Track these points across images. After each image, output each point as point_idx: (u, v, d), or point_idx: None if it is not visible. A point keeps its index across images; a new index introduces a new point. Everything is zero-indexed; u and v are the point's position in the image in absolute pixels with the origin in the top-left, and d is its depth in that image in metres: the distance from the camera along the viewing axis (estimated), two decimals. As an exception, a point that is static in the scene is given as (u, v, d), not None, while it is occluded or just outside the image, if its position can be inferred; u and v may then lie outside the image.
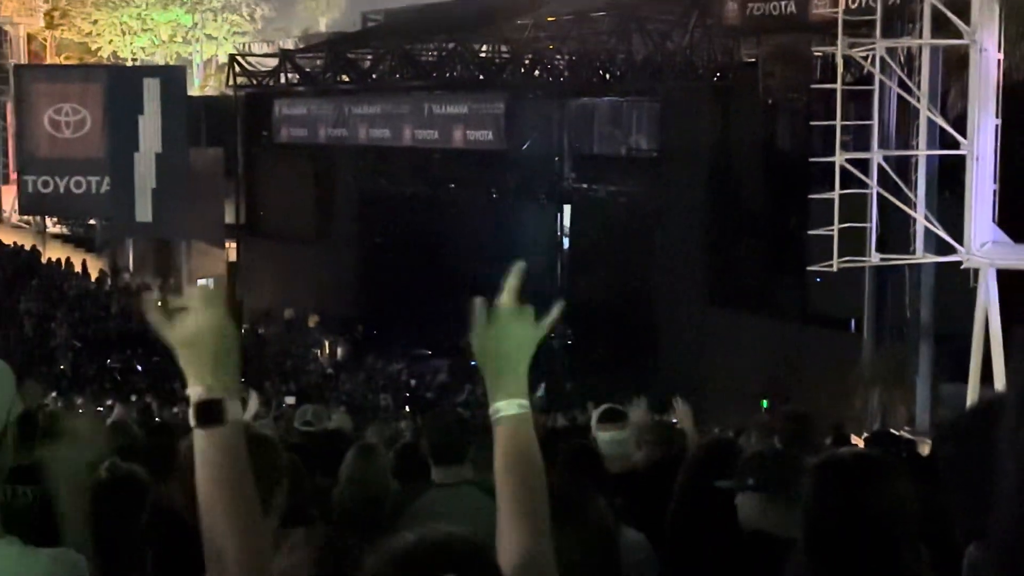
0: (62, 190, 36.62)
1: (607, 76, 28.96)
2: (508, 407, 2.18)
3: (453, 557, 1.81)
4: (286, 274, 36.26)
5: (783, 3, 23.89)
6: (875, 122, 17.56)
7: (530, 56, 30.86)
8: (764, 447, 4.54)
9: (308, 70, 36.58)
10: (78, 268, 36.79)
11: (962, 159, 16.52)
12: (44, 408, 6.59)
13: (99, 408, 17.94)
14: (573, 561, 2.48)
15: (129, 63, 51.36)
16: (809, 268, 18.78)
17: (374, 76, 34.09)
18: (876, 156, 17.38)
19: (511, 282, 2.19)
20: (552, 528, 2.44)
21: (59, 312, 29.78)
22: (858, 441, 10.44)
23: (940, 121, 17.12)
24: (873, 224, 17.55)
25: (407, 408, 24.87)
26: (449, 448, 4.56)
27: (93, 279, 35.68)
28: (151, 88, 36.04)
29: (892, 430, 12.99)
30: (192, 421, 2.06)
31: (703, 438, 6.12)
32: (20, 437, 2.18)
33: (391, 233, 33.82)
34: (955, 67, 17.81)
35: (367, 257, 34.28)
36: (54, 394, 20.84)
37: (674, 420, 7.37)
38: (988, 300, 16.06)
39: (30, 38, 48.04)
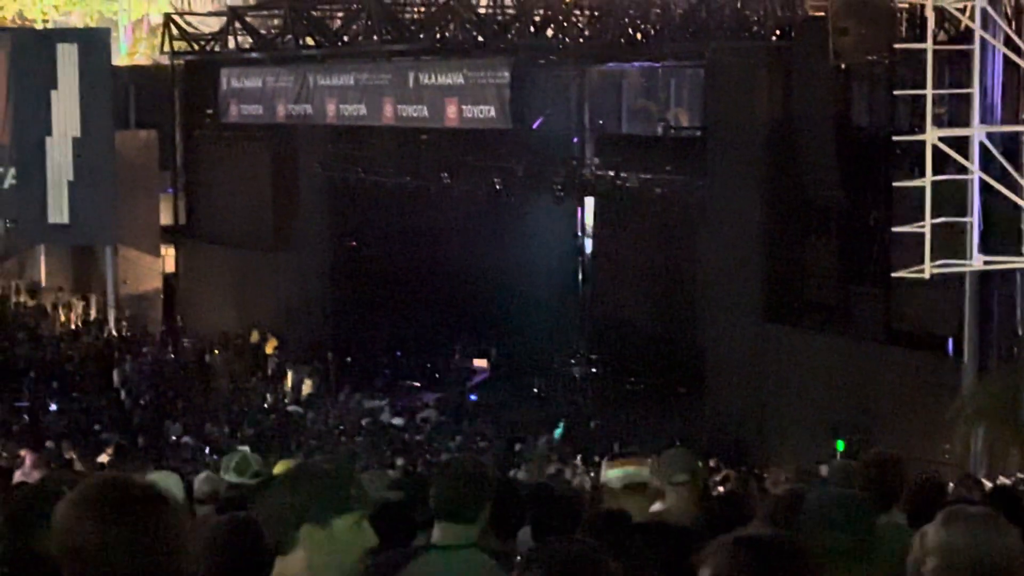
0: (-46, 184, 36.74)
1: (639, 36, 29.00)
2: None
3: None
4: (237, 288, 36.30)
5: (858, -58, 23.95)
6: (975, 90, 17.55)
7: (541, 11, 30.92)
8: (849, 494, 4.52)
9: (263, 32, 36.68)
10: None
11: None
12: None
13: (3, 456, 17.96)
14: None
15: (39, 25, 51.46)
16: (894, 275, 18.77)
17: (345, 39, 34.16)
18: (978, 133, 17.38)
19: None
20: None
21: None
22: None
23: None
24: (975, 218, 17.54)
25: (389, 453, 24.84)
26: (463, 503, 4.64)
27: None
28: (67, 56, 36.14)
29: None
30: None
31: (778, 488, 6.11)
32: None
33: (369, 236, 33.85)
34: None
35: (339, 266, 34.30)
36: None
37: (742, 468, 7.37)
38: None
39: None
